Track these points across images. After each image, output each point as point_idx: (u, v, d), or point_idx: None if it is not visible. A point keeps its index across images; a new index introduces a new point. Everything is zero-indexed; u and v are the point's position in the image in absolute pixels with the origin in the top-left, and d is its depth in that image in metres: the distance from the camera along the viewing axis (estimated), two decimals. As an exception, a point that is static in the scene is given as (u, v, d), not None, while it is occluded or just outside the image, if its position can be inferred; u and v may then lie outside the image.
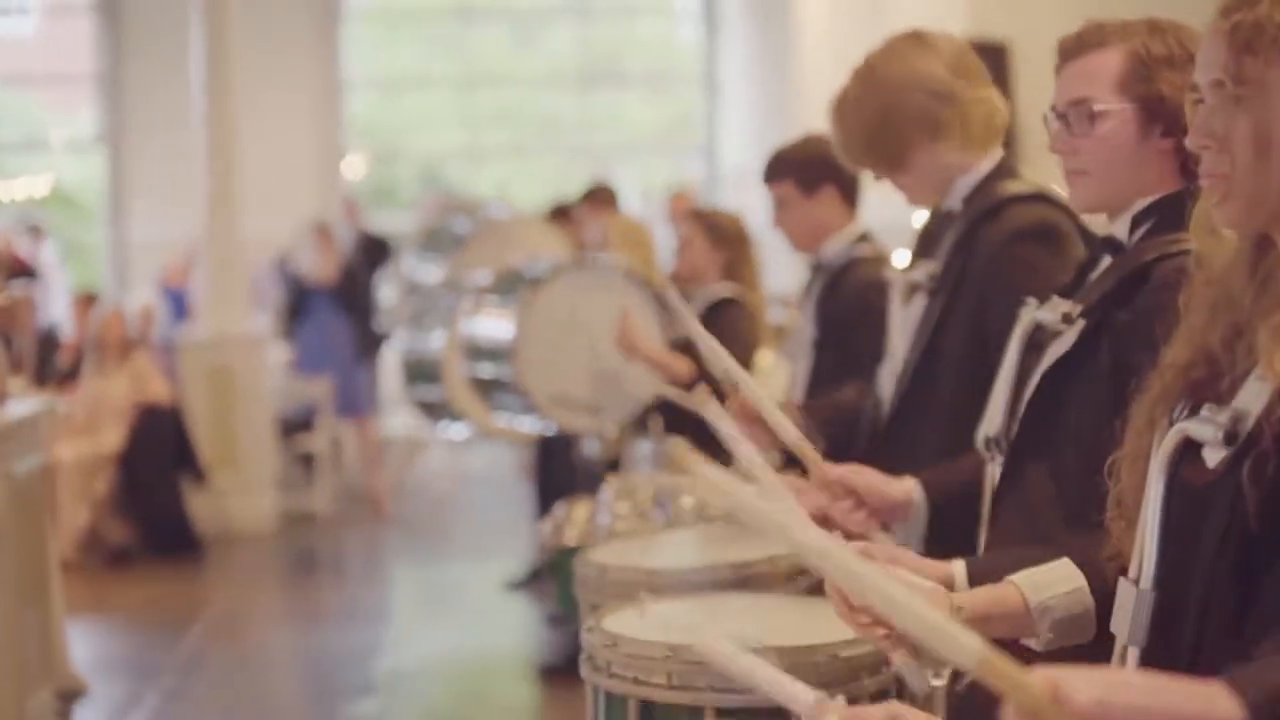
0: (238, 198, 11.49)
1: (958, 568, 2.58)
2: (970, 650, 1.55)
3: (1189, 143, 2.13)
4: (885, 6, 12.66)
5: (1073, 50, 2.78)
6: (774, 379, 6.92)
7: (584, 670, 2.72)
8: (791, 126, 15.48)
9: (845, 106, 3.76)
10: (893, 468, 3.31)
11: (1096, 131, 2.74)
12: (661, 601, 3.01)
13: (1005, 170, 3.63)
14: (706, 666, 2.52)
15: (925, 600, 1.59)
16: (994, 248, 3.45)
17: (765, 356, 6.77)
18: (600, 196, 9.44)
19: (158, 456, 10.64)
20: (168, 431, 10.73)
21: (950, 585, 2.55)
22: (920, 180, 3.72)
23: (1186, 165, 2.69)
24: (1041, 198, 3.48)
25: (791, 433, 3.29)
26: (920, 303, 3.68)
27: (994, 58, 4.09)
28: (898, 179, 3.77)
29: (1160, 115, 2.72)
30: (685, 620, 2.84)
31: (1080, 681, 1.53)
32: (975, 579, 2.55)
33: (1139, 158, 2.75)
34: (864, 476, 3.20)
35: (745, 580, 3.40)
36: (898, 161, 3.70)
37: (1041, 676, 1.54)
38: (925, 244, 3.86)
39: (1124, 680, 1.57)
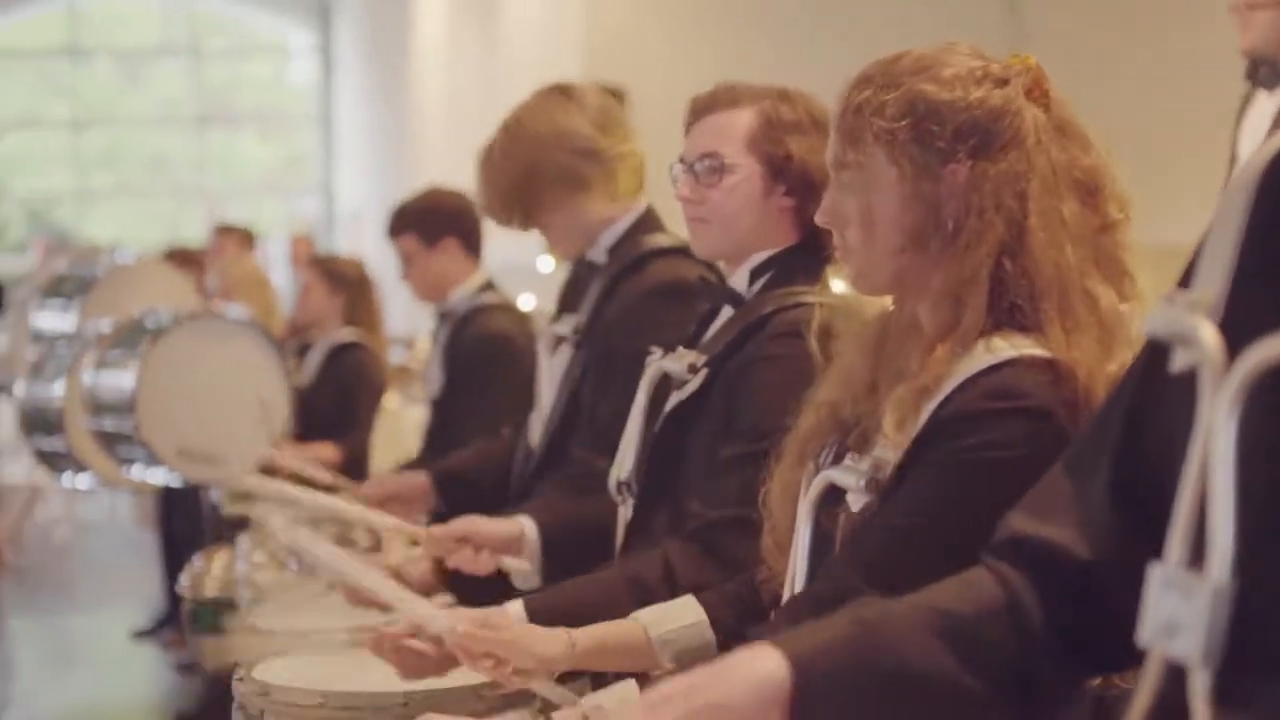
0: None
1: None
2: None
3: (818, 219, 2.31)
4: (500, 50, 12.84)
5: (705, 107, 2.95)
6: (401, 421, 7.04)
7: (236, 719, 2.78)
8: (407, 165, 15.59)
9: (490, 161, 3.75)
10: None
11: (723, 184, 2.89)
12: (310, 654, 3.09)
13: (649, 223, 3.67)
14: (360, 712, 2.61)
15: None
16: (628, 301, 3.51)
17: (390, 399, 6.88)
18: (236, 238, 9.37)
19: None
20: None
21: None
22: (564, 233, 3.73)
23: (806, 223, 2.84)
24: (682, 252, 3.48)
25: (396, 552, 3.53)
26: (566, 354, 3.70)
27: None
28: (542, 231, 3.79)
29: (784, 174, 2.88)
30: (336, 669, 2.93)
31: (657, 704, 1.64)
32: (536, 608, 2.69)
33: (761, 212, 2.91)
34: (470, 524, 3.29)
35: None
36: (540, 215, 3.70)
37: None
38: (570, 295, 3.89)
39: (687, 684, 1.65)
